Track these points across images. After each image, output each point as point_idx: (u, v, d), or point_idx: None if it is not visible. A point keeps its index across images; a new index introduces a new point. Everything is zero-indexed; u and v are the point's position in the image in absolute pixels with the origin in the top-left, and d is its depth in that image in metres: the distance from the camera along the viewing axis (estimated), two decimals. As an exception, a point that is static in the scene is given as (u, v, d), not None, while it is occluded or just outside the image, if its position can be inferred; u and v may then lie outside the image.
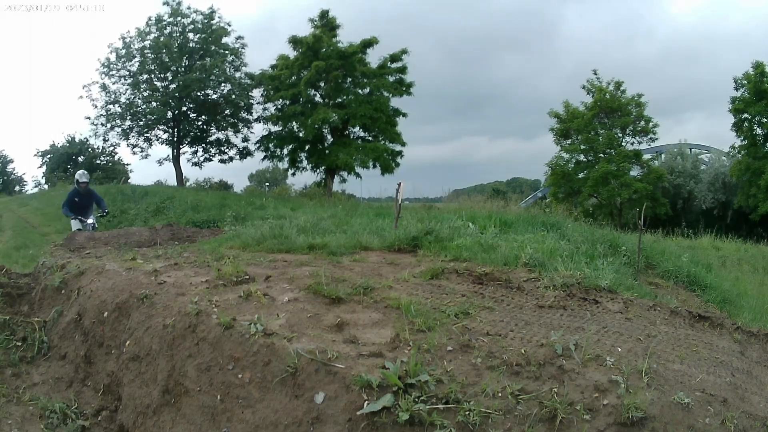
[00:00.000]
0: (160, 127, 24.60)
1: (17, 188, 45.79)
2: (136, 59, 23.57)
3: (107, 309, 3.63)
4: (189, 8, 24.04)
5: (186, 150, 25.53)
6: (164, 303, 3.32)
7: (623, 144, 26.81)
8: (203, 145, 25.53)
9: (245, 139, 25.72)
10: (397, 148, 23.23)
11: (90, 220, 9.41)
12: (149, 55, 23.43)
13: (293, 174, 25.19)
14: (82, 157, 37.73)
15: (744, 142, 26.31)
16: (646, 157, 28.33)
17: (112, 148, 33.90)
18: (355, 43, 22.41)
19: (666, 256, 6.36)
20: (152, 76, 23.90)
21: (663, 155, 31.60)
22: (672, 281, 5.71)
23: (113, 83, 23.91)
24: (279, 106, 23.81)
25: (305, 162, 23.95)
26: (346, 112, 21.88)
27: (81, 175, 9.66)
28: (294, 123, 22.79)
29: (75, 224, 9.48)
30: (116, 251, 5.45)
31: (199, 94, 23.71)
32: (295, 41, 22.68)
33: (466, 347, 2.64)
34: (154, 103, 23.28)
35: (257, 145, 24.71)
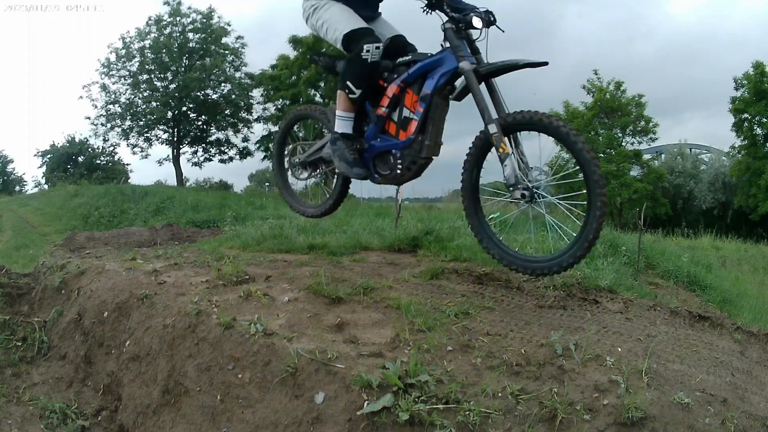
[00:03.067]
0: (160, 127, 24.66)
1: (17, 188, 45.82)
2: (136, 59, 23.64)
3: (107, 309, 3.63)
4: (189, 8, 24.08)
5: (186, 150, 25.60)
6: (164, 303, 3.32)
7: (623, 144, 26.86)
8: (203, 145, 25.58)
9: (245, 139, 25.82)
10: (397, 148, 23.25)
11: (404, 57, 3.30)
12: (149, 55, 23.49)
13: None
14: (82, 157, 37.79)
15: (744, 142, 26.35)
16: (646, 157, 28.37)
17: (112, 148, 34.00)
18: (355, 43, 22.43)
19: (666, 256, 6.36)
20: (152, 76, 23.95)
21: (663, 155, 31.61)
22: (672, 281, 5.71)
23: (113, 83, 24.03)
24: (279, 106, 23.84)
25: (305, 162, 23.97)
26: (346, 112, 21.90)
27: None
28: (294, 123, 22.82)
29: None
30: (116, 251, 5.45)
31: (199, 94, 23.76)
32: (295, 41, 22.72)
33: (466, 347, 2.64)
34: (154, 103, 23.34)
35: (257, 145, 24.80)
